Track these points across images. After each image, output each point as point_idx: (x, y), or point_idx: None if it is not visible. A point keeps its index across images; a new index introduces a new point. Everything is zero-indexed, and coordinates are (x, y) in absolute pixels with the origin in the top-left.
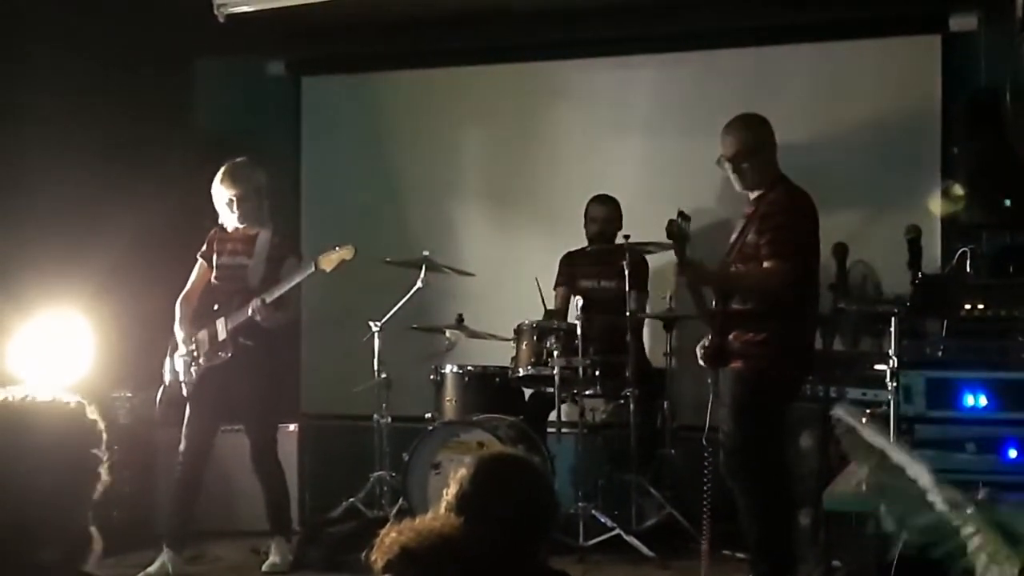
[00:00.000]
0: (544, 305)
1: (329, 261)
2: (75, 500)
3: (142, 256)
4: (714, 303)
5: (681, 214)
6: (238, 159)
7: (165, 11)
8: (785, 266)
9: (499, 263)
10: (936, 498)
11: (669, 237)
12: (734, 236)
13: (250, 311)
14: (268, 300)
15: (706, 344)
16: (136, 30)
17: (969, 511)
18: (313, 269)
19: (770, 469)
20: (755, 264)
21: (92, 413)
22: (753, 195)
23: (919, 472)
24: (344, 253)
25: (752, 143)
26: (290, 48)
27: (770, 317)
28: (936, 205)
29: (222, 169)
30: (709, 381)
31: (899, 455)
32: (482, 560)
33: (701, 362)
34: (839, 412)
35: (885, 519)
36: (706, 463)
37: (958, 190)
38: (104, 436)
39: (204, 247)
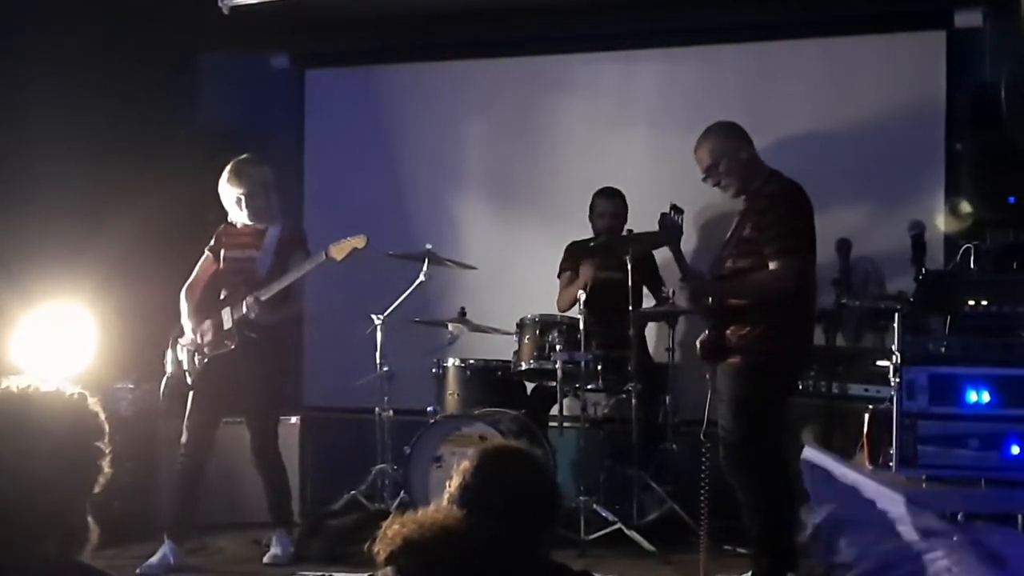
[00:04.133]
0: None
1: (340, 250)
2: (76, 491)
3: (145, 248)
4: (711, 298)
5: (674, 207)
6: (243, 156)
7: (168, 3)
8: (793, 263)
9: (502, 257)
10: (906, 527)
11: (661, 230)
12: (730, 232)
13: (244, 308)
14: (262, 297)
15: (704, 339)
16: (139, 22)
17: (955, 539)
18: (324, 258)
19: (770, 463)
20: (756, 258)
21: (94, 405)
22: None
23: (893, 504)
24: (356, 242)
25: (720, 147)
26: (294, 41)
27: (767, 311)
28: (942, 220)
29: (228, 167)
30: (707, 376)
31: (873, 489)
32: (484, 553)
33: (700, 357)
34: (808, 454)
35: (845, 551)
36: (704, 458)
37: (966, 207)
38: (106, 428)
39: (212, 241)
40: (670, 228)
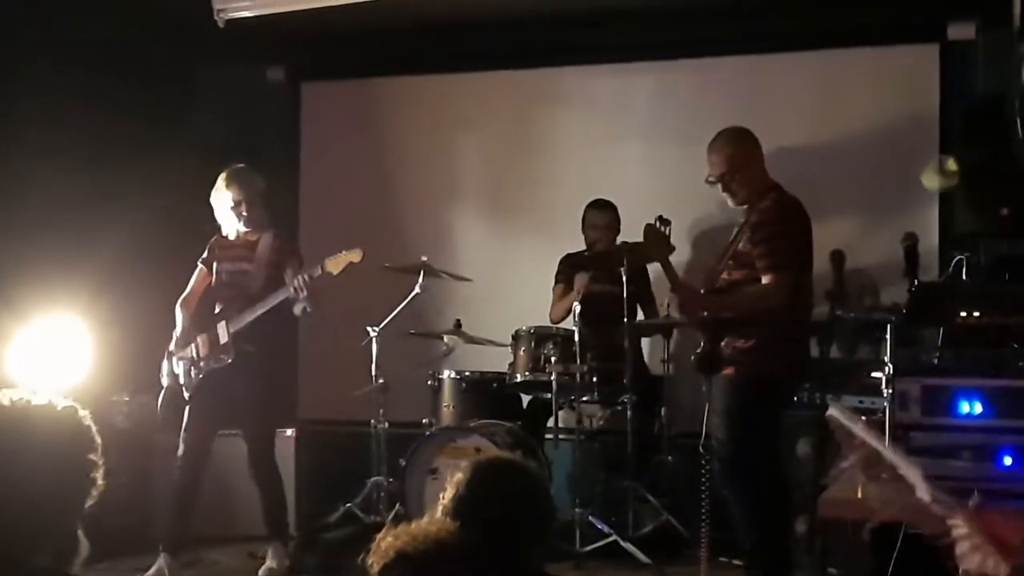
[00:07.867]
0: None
1: (336, 263)
2: (69, 504)
3: (140, 260)
4: (704, 310)
5: (660, 218)
6: (237, 165)
7: (165, 16)
8: (783, 278)
9: (497, 269)
10: (925, 495)
11: (646, 241)
12: (727, 244)
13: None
14: (259, 311)
15: (699, 351)
16: (136, 35)
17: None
18: (320, 272)
19: (764, 476)
20: (749, 271)
21: (86, 417)
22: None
23: (911, 472)
24: (352, 256)
25: (739, 158)
26: (290, 54)
27: (761, 325)
28: (930, 180)
29: (223, 175)
30: (704, 389)
31: (892, 455)
32: (478, 564)
33: (695, 369)
34: (834, 412)
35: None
36: (703, 471)
37: (952, 165)
38: (98, 440)
39: (205, 254)
40: (655, 239)
